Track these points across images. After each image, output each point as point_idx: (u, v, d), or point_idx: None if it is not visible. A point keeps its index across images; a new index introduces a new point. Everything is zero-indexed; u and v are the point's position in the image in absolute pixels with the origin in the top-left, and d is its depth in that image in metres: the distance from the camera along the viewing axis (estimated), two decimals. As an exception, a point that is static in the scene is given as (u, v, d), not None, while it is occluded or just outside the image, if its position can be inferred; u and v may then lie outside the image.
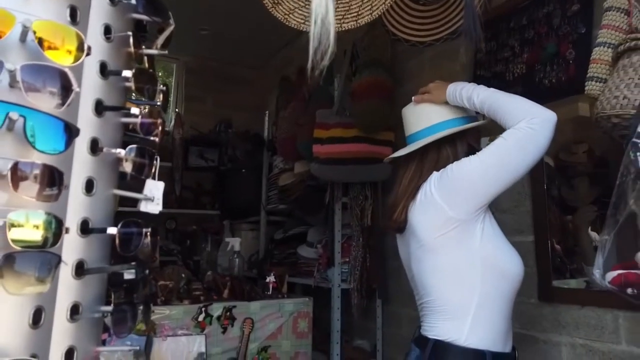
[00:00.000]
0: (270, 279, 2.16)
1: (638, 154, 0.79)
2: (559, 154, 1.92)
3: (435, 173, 1.24)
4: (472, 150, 1.30)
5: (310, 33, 0.78)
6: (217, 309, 1.96)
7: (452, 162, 1.23)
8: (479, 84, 2.14)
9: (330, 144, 2.50)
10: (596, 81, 1.18)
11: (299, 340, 2.15)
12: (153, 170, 0.80)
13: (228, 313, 1.96)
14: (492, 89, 1.24)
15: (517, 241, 1.96)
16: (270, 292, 2.18)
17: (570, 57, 1.66)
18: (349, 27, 1.18)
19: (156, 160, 0.81)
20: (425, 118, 1.33)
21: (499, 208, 2.06)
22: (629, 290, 0.77)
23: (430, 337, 1.20)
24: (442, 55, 2.42)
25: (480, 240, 1.18)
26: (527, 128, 1.11)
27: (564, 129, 1.97)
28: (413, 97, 1.39)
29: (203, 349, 1.80)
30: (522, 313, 1.92)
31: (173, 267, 2.17)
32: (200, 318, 1.89)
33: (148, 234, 0.79)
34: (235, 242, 2.32)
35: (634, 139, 0.80)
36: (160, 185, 0.81)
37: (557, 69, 1.70)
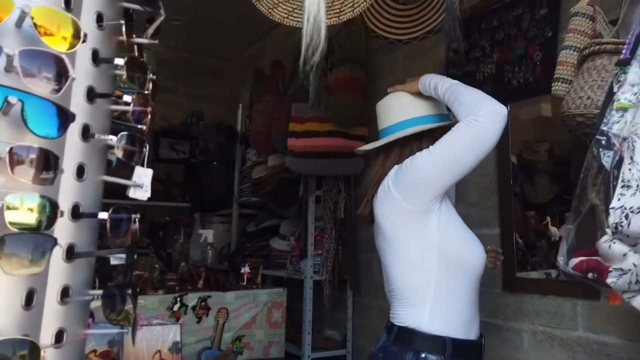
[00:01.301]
0: (245, 269, 2.18)
1: (601, 150, 0.86)
2: (522, 153, 2.02)
3: (395, 167, 1.29)
4: None
5: (302, 30, 0.81)
6: (192, 299, 1.97)
7: None
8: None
9: (305, 137, 2.53)
10: (562, 82, 1.25)
11: (272, 330, 2.18)
12: (142, 157, 0.82)
13: (203, 303, 1.97)
14: (455, 81, 1.28)
15: (483, 234, 2.05)
16: (245, 283, 2.20)
17: (537, 59, 1.75)
18: (331, 23, 1.21)
19: (145, 147, 0.83)
20: (396, 113, 1.36)
21: (468, 202, 2.15)
22: (590, 275, 0.84)
23: (395, 323, 1.26)
24: (416, 54, 2.48)
25: (436, 230, 1.22)
26: (474, 121, 1.15)
27: (526, 128, 2.08)
28: (388, 89, 1.43)
29: (178, 338, 1.80)
30: (487, 302, 2.00)
31: (146, 258, 2.15)
32: (176, 308, 1.89)
33: (137, 219, 0.80)
34: (208, 234, 2.33)
35: (597, 136, 0.87)
36: (149, 172, 0.83)
37: (525, 70, 1.79)
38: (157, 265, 2.03)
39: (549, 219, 1.87)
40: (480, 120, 1.15)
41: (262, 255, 3.02)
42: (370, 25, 1.63)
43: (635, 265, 0.75)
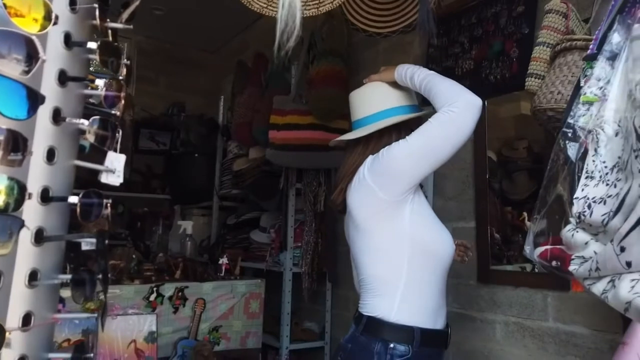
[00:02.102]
0: (224, 260, 2.18)
1: (567, 142, 0.89)
2: (502, 150, 2.06)
3: (370, 157, 1.29)
4: None
5: (277, 15, 0.81)
6: (168, 289, 1.96)
7: None
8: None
9: (286, 130, 2.53)
10: (535, 77, 1.28)
11: (250, 321, 2.19)
12: (115, 142, 0.81)
13: (180, 293, 1.97)
14: (432, 72, 1.29)
15: (460, 227, 2.09)
16: (223, 274, 2.20)
17: (514, 55, 1.78)
18: (310, 14, 1.21)
19: (118, 133, 0.82)
20: (373, 104, 1.37)
21: (445, 195, 2.18)
22: (554, 263, 0.87)
23: (364, 313, 1.26)
24: (396, 48, 2.50)
25: (409, 221, 1.23)
26: (449, 111, 1.16)
27: (506, 125, 2.12)
28: (364, 79, 1.43)
29: (154, 328, 1.80)
30: (461, 294, 2.05)
31: (124, 248, 2.14)
32: (152, 298, 1.89)
33: (109, 205, 0.80)
34: (187, 225, 2.32)
35: (564, 129, 0.89)
36: (122, 157, 0.82)
37: (502, 66, 1.82)
38: (134, 256, 2.02)
39: (525, 214, 1.91)
40: (456, 110, 1.16)
41: (243, 247, 3.02)
42: (349, 18, 1.64)
43: (595, 253, 0.78)
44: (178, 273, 2.08)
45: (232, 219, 3.21)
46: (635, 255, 0.70)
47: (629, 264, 0.71)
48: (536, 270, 1.74)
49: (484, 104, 1.98)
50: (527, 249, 0.94)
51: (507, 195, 2.02)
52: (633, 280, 0.71)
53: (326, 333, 2.69)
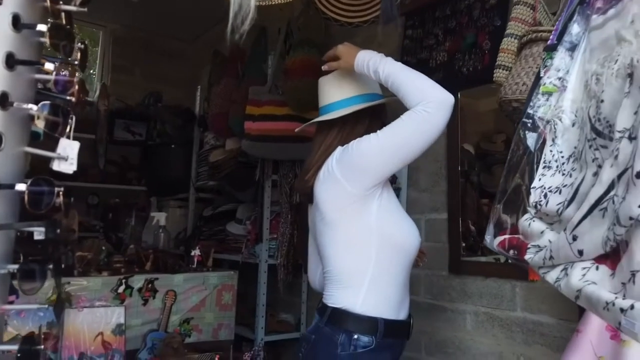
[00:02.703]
0: (195, 252, 2.16)
1: (526, 132, 0.89)
2: (480, 143, 2.07)
3: (339, 148, 1.28)
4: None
5: (231, -2, 0.79)
6: (138, 281, 1.93)
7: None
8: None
9: (262, 121, 2.51)
10: (503, 69, 1.29)
11: (222, 313, 2.17)
12: (68, 129, 0.79)
13: (150, 285, 1.95)
14: (399, 64, 1.26)
15: (432, 218, 2.11)
16: (195, 266, 2.18)
17: (486, 48, 1.79)
18: (279, 1, 1.20)
19: (71, 119, 0.80)
20: (344, 90, 1.35)
21: (419, 187, 2.20)
22: (511, 252, 0.88)
23: (328, 304, 1.26)
24: (373, 40, 2.49)
25: (377, 215, 1.23)
26: (423, 111, 1.15)
27: (485, 119, 2.13)
28: (323, 67, 1.39)
29: (122, 320, 1.77)
30: (433, 284, 2.07)
31: (93, 240, 2.10)
32: (120, 290, 1.86)
33: (60, 193, 0.78)
34: (160, 217, 2.28)
35: (524, 119, 0.90)
36: (75, 145, 0.80)
37: (475, 58, 1.83)
38: (103, 247, 1.99)
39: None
40: (430, 111, 1.15)
41: (219, 239, 3.00)
42: (320, 7, 1.63)
43: (550, 242, 0.79)
44: (148, 265, 2.05)
45: (209, 211, 3.18)
46: (587, 243, 0.71)
47: (580, 253, 0.72)
48: (510, 261, 1.77)
49: (456, 96, 2.01)
50: (488, 238, 0.95)
51: (485, 188, 2.04)
52: (584, 268, 0.72)
53: (302, 324, 2.69)
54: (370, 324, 1.20)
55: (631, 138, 0.64)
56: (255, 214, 2.73)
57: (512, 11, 1.32)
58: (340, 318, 1.22)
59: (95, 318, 1.71)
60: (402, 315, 1.29)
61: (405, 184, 2.23)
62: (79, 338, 1.66)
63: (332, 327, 1.23)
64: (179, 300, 2.03)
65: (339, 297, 1.25)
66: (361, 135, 1.27)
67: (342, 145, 1.29)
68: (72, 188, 3.72)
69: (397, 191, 2.26)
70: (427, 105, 1.15)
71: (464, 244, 1.97)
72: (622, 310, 0.63)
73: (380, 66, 1.25)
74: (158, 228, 2.30)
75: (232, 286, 2.21)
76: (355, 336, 1.19)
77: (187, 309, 2.06)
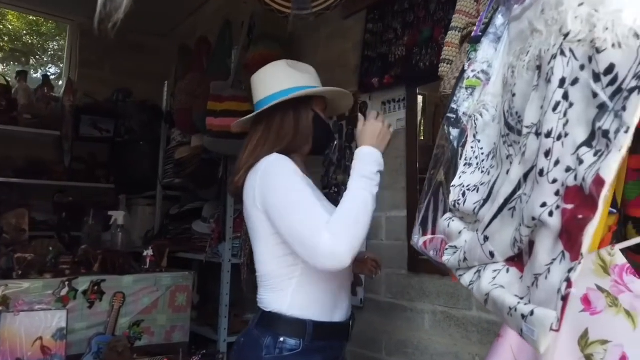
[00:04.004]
0: (148, 252, 2.09)
1: (450, 128, 0.85)
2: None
3: (273, 156, 1.23)
4: (318, 118, 1.35)
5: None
6: (83, 283, 1.86)
7: (295, 128, 1.28)
8: (366, 64, 2.18)
9: (224, 117, 2.45)
10: (447, 63, 1.25)
11: (176, 315, 2.11)
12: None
13: (96, 287, 1.88)
14: (368, 195, 1.15)
15: (393, 216, 2.07)
16: (148, 266, 2.11)
17: (442, 42, 1.74)
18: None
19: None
20: (273, 85, 1.32)
21: (380, 185, 2.15)
22: (432, 253, 0.84)
23: (260, 307, 1.25)
24: (336, 34, 2.45)
25: None
26: (322, 243, 1.05)
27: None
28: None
29: (63, 324, 1.70)
30: (393, 284, 2.04)
31: (43, 240, 2.03)
32: (63, 292, 1.79)
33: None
34: (118, 216, 2.21)
35: (448, 114, 0.86)
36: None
37: (431, 53, 1.79)
38: (51, 248, 1.91)
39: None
40: (325, 251, 1.05)
41: (185, 238, 2.94)
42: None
43: (466, 242, 0.75)
44: (96, 266, 1.98)
45: (175, 209, 3.12)
46: (498, 244, 0.67)
47: (492, 254, 0.68)
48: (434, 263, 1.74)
49: (415, 92, 1.98)
50: (415, 238, 0.91)
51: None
52: (495, 271, 0.68)
53: (267, 324, 2.65)
54: (297, 326, 1.17)
55: (537, 134, 0.61)
56: (219, 212, 2.67)
57: (457, 3, 1.28)
58: (269, 321, 1.20)
59: (34, 322, 1.64)
60: (337, 317, 1.25)
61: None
62: (15, 343, 1.59)
63: (260, 330, 1.20)
64: (128, 303, 1.96)
65: (269, 300, 1.23)
66: (293, 127, 1.28)
67: (274, 144, 1.27)
68: (37, 186, 3.65)
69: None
70: (332, 244, 1.04)
71: (425, 242, 1.94)
72: (523, 316, 0.59)
73: (366, 176, 1.18)
74: (116, 227, 2.23)
75: (186, 287, 2.15)
76: (282, 339, 1.16)
77: (137, 311, 1.99)
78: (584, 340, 0.62)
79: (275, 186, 1.17)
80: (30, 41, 5.08)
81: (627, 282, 0.74)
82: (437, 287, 1.85)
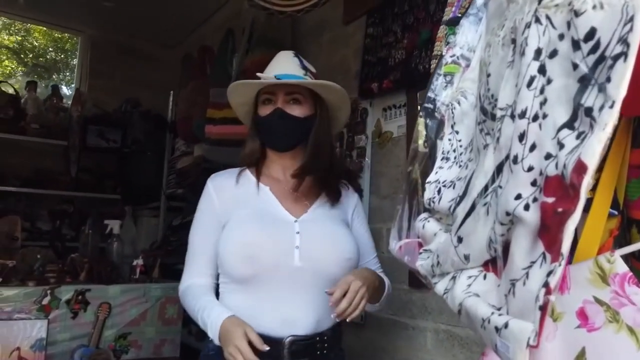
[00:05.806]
0: (138, 262, 2.03)
1: (427, 119, 0.77)
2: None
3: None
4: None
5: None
6: (66, 292, 1.79)
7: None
8: (366, 69, 2.12)
9: (223, 124, 2.41)
10: (437, 59, 1.16)
11: (166, 327, 2.02)
12: None
13: (80, 297, 1.81)
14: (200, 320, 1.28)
15: (393, 227, 1.97)
16: (137, 276, 2.04)
17: (442, 43, 1.66)
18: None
19: None
20: None
21: (380, 194, 2.06)
22: (406, 258, 0.75)
23: None
24: (338, 40, 2.40)
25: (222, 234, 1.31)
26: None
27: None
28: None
29: (43, 335, 1.64)
30: (394, 299, 1.92)
31: (34, 248, 1.99)
32: (45, 301, 1.72)
33: None
34: (114, 225, 2.17)
35: (425, 104, 0.78)
36: None
37: (430, 55, 1.70)
38: (38, 256, 1.87)
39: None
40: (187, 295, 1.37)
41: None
42: (258, 2, 1.52)
43: (440, 245, 0.66)
44: (83, 275, 1.92)
45: (178, 220, 3.07)
46: (473, 246, 0.58)
47: (467, 258, 0.59)
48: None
49: (415, 96, 1.89)
50: (392, 243, 0.82)
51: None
52: (470, 277, 0.59)
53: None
54: None
55: (512, 116, 0.52)
56: (219, 223, 2.61)
57: (450, -4, 1.21)
58: None
59: (12, 331, 1.58)
60: (268, 330, 1.14)
61: (367, 190, 2.10)
62: (-11, 353, 1.53)
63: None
64: (115, 314, 1.89)
65: None
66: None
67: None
68: (43, 195, 3.65)
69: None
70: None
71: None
72: (497, 329, 0.50)
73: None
74: (112, 237, 2.18)
75: (177, 299, 2.05)
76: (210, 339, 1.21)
77: (124, 323, 1.91)
78: (576, 361, 0.52)
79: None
80: (54, 57, 5.19)
81: (630, 293, 0.64)
82: (439, 304, 1.73)
